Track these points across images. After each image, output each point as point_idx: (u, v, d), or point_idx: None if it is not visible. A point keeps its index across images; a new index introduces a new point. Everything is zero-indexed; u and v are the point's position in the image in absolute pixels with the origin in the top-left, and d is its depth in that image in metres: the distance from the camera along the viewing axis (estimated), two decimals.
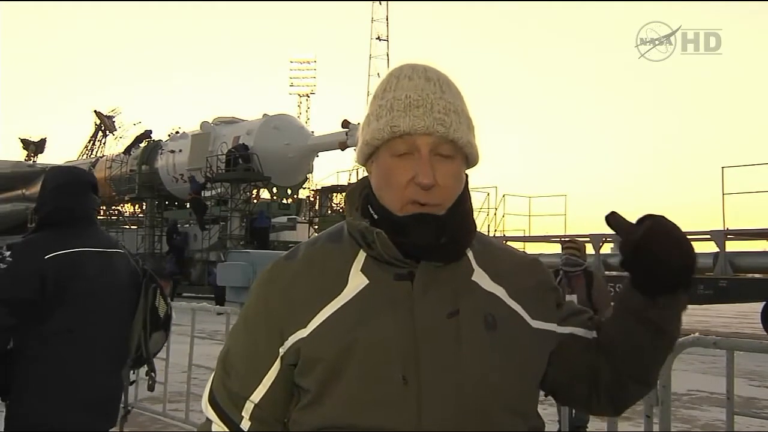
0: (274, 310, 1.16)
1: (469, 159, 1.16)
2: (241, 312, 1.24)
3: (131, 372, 2.84)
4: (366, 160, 1.18)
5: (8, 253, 2.49)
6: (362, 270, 1.14)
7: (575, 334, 1.21)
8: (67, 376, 2.47)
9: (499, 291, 1.16)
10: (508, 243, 1.48)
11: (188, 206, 27.58)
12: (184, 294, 23.33)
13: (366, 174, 1.22)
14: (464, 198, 1.17)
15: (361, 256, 1.15)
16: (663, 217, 1.11)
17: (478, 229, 1.21)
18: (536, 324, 1.17)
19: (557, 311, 1.22)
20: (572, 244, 6.70)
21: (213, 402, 1.22)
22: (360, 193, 1.22)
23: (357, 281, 1.13)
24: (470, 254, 1.18)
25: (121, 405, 2.72)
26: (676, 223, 1.11)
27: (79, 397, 2.48)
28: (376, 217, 1.15)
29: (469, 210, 1.19)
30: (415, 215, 1.10)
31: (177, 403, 6.48)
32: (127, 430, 2.78)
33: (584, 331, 1.22)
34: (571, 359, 1.20)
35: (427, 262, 1.12)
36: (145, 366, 2.83)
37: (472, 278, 1.16)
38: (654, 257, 1.08)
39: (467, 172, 1.18)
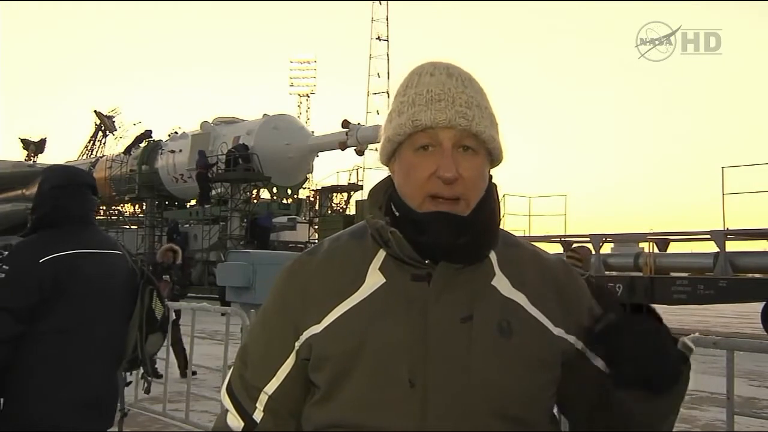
0: (292, 304, 1.16)
1: (493, 155, 1.14)
2: (262, 305, 1.25)
3: (128, 373, 2.83)
4: (389, 158, 1.17)
5: (5, 258, 2.49)
6: (380, 269, 1.13)
7: (586, 356, 1.15)
8: (62, 377, 2.46)
9: (520, 297, 1.13)
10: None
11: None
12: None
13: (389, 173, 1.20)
14: (489, 198, 1.15)
15: (381, 254, 1.14)
16: (635, 311, 1.04)
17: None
18: (558, 331, 1.13)
19: (582, 325, 1.15)
20: (572, 253, 6.53)
21: (230, 392, 1.22)
22: (385, 191, 1.20)
23: (374, 279, 1.13)
24: (493, 257, 1.15)
25: (119, 408, 2.70)
26: (657, 328, 1.04)
27: (74, 397, 2.47)
28: (397, 214, 1.14)
29: (494, 211, 1.16)
30: (437, 213, 1.09)
31: (177, 403, 6.48)
32: (127, 430, 2.77)
33: (602, 363, 1.14)
34: (577, 377, 1.15)
35: (446, 263, 1.11)
36: (141, 368, 2.83)
37: (492, 282, 1.13)
38: (611, 354, 1.05)
39: (491, 172, 1.16)
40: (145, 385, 2.93)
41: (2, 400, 2.50)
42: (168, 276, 9.09)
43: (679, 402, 1.12)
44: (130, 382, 2.90)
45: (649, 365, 1.02)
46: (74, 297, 2.50)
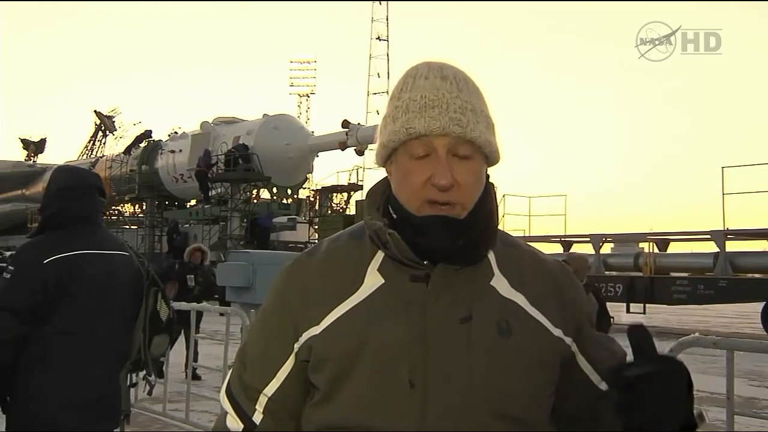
0: (291, 305, 1.15)
1: (489, 158, 1.14)
2: (261, 306, 1.24)
3: (132, 375, 2.83)
4: (384, 161, 1.16)
5: (10, 259, 2.51)
6: (379, 269, 1.13)
7: (576, 360, 1.14)
8: (65, 377, 2.47)
9: (519, 298, 1.13)
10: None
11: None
12: None
13: (386, 175, 1.19)
14: (486, 198, 1.14)
15: (380, 255, 1.14)
16: (678, 370, 0.98)
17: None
18: (557, 332, 1.13)
19: (579, 329, 1.15)
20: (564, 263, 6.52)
21: (229, 394, 1.22)
22: (383, 192, 1.20)
23: (372, 280, 1.12)
24: (492, 258, 1.15)
25: (123, 409, 2.70)
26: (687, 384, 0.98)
27: (76, 398, 2.48)
28: (395, 216, 1.14)
29: (492, 211, 1.15)
30: (434, 217, 1.08)
31: (177, 403, 6.49)
32: (127, 430, 2.77)
33: (590, 370, 1.14)
34: (566, 379, 1.14)
35: (444, 264, 1.10)
36: (144, 369, 2.83)
37: (491, 283, 1.13)
38: (634, 407, 0.97)
39: (489, 172, 1.15)
40: (147, 387, 2.93)
41: (7, 400, 2.51)
42: (193, 276, 9.05)
43: None
44: (136, 384, 2.89)
45: (666, 426, 0.98)
46: (77, 298, 2.50)
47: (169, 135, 30.23)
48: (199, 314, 8.01)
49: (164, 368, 6.20)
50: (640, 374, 0.96)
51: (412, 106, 1.10)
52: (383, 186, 1.21)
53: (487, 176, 1.16)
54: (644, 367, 0.97)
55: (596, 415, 1.12)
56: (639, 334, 0.99)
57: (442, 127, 1.08)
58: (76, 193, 2.65)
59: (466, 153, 1.10)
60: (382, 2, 46.53)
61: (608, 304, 7.06)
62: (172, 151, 28.26)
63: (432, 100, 1.09)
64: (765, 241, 16.85)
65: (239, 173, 24.87)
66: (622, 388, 0.98)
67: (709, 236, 15.99)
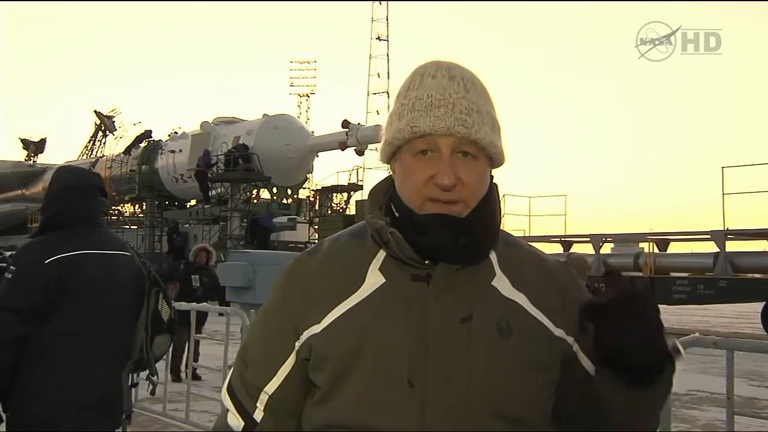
0: (292, 304, 1.16)
1: (494, 160, 1.14)
2: (262, 305, 1.25)
3: (134, 375, 2.83)
4: (389, 159, 1.17)
5: (11, 260, 2.51)
6: (380, 269, 1.13)
7: (578, 358, 1.15)
8: (66, 378, 2.47)
9: (521, 298, 1.13)
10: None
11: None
12: None
13: (390, 173, 1.20)
14: (489, 198, 1.14)
15: (381, 254, 1.14)
16: (643, 294, 1.04)
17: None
18: (558, 332, 1.13)
19: (579, 327, 1.15)
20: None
21: (230, 391, 1.23)
22: (385, 191, 1.20)
23: (373, 280, 1.13)
24: (494, 258, 1.15)
25: (125, 409, 2.70)
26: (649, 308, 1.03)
27: (77, 398, 2.48)
28: (397, 215, 1.14)
29: (494, 211, 1.16)
30: (435, 215, 1.09)
31: (177, 403, 6.49)
32: (127, 430, 2.77)
33: (592, 368, 1.13)
34: (567, 378, 1.14)
35: (446, 263, 1.11)
36: (146, 369, 2.83)
37: (492, 283, 1.13)
38: (603, 333, 1.02)
39: (493, 172, 1.16)
40: (150, 386, 2.93)
41: (7, 400, 2.51)
42: (198, 276, 9.04)
43: (659, 403, 1.10)
44: (137, 384, 2.89)
45: (634, 347, 1.01)
46: (78, 298, 2.51)
47: (169, 135, 30.23)
48: (204, 315, 7.99)
49: (164, 368, 6.20)
50: (607, 299, 1.03)
51: (418, 104, 1.11)
52: (386, 185, 1.21)
53: (491, 176, 1.16)
54: (611, 293, 1.04)
55: (596, 399, 1.11)
56: (613, 276, 1.06)
57: (446, 126, 1.08)
58: (77, 193, 2.65)
59: (471, 152, 1.10)
60: (382, 2, 46.53)
61: None
62: (172, 151, 28.26)
63: (438, 100, 1.10)
64: (765, 241, 16.84)
65: (239, 173, 24.87)
66: (591, 315, 1.04)
67: (709, 236, 15.99)
